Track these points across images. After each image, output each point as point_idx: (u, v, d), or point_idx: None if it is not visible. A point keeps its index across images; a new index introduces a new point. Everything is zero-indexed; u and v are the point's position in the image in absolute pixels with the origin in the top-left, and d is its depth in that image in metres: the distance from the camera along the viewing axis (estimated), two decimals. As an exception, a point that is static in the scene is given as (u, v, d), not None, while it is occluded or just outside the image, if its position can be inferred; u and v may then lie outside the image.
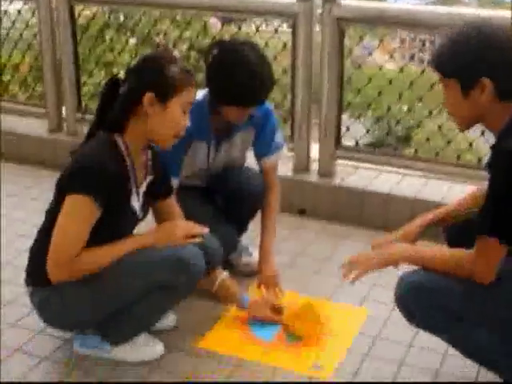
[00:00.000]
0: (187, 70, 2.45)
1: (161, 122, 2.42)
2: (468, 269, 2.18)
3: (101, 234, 2.39)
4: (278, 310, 2.89)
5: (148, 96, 2.38)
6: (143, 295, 2.48)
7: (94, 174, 2.32)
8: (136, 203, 2.53)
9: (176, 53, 2.56)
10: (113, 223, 2.43)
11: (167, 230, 2.56)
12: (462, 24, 2.17)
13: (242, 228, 3.29)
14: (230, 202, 3.15)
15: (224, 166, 3.14)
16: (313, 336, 2.78)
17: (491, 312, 2.22)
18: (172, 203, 2.73)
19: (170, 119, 2.42)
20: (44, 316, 2.57)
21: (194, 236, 2.56)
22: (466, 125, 2.26)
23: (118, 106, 2.43)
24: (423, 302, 2.26)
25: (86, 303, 2.47)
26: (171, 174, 2.80)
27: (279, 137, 3.18)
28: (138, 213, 2.55)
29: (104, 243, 2.41)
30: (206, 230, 2.63)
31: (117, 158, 2.41)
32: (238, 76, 2.73)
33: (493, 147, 2.15)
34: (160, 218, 2.72)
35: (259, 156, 3.18)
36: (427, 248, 2.37)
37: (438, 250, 2.32)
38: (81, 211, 2.34)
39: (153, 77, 2.40)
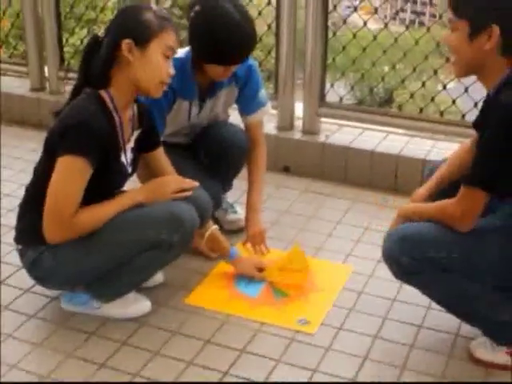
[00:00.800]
0: (163, 16, 2.44)
1: (143, 67, 2.40)
2: (449, 214, 2.25)
3: (92, 191, 2.38)
4: (260, 269, 2.92)
5: (125, 42, 2.36)
6: (136, 253, 2.49)
7: (86, 133, 2.31)
8: (125, 159, 2.53)
9: (154, 5, 2.53)
10: (104, 180, 2.43)
11: (158, 186, 2.57)
12: None
13: (226, 185, 3.30)
14: (213, 157, 3.13)
15: (208, 123, 3.14)
16: (298, 286, 2.83)
17: (475, 263, 2.26)
18: (160, 155, 2.72)
19: (151, 64, 2.40)
20: (35, 274, 2.57)
21: (184, 190, 2.58)
22: (463, 71, 2.27)
23: (99, 59, 2.42)
24: (409, 252, 2.29)
25: (80, 262, 2.47)
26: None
27: (263, 94, 3.18)
28: (127, 168, 2.55)
29: (96, 200, 2.42)
30: (195, 183, 2.64)
31: (105, 115, 2.40)
32: (220, 34, 2.71)
33: (485, 102, 2.18)
34: (149, 171, 2.71)
35: (243, 113, 3.18)
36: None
37: (433, 203, 2.39)
38: (74, 171, 2.32)
39: (128, 23, 2.40)
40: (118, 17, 2.47)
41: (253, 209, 3.11)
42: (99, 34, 2.54)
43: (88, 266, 2.50)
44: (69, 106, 2.42)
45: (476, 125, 2.23)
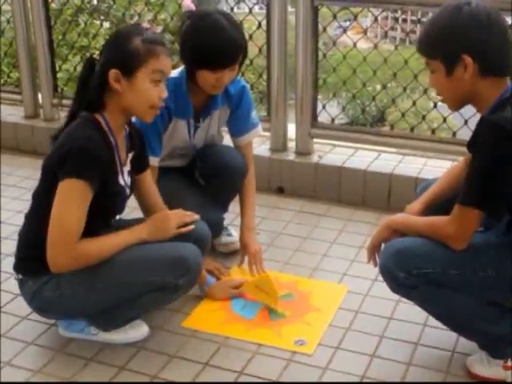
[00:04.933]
0: (152, 40, 2.43)
1: (131, 95, 2.41)
2: (443, 232, 2.26)
3: (94, 215, 2.38)
4: (236, 287, 2.96)
5: (112, 73, 2.38)
6: (141, 294, 2.49)
7: (85, 158, 2.31)
8: (123, 181, 2.54)
9: (147, 25, 2.53)
10: (104, 203, 2.44)
11: (160, 223, 2.59)
12: (444, 5, 2.24)
13: (223, 208, 3.31)
14: (213, 180, 3.14)
15: (204, 143, 3.16)
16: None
17: (471, 279, 2.28)
18: (147, 178, 2.72)
19: (139, 91, 2.41)
20: (35, 305, 2.57)
21: (186, 224, 2.61)
22: (455, 105, 2.33)
23: (92, 86, 2.43)
24: (405, 267, 2.31)
25: (83, 297, 2.46)
26: (152, 153, 2.84)
27: (255, 115, 3.21)
28: (126, 190, 2.57)
29: (98, 224, 2.44)
30: (196, 216, 2.66)
31: (102, 139, 2.41)
32: (207, 35, 2.76)
33: (478, 124, 2.21)
34: (136, 193, 2.72)
35: (235, 134, 3.21)
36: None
37: (424, 217, 2.41)
38: (77, 195, 2.32)
39: (114, 52, 2.41)
40: (108, 43, 2.49)
41: (248, 228, 3.13)
42: (94, 55, 2.56)
43: (91, 302, 2.50)
44: (66, 130, 2.42)
45: (469, 146, 2.26)
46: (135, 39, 2.40)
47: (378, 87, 4.51)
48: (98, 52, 2.51)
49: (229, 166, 3.10)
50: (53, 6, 4.98)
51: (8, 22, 4.91)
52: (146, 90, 2.42)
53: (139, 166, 2.68)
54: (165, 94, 2.48)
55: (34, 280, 2.50)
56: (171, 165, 3.14)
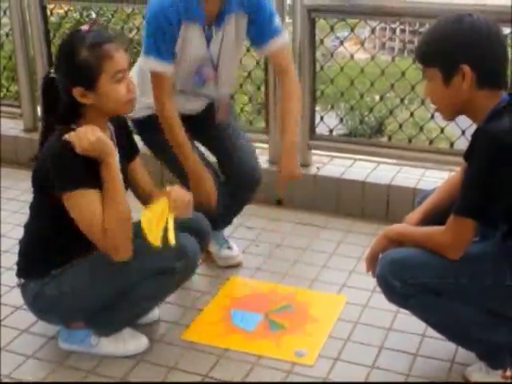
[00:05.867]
0: (97, 42, 2.38)
1: (103, 101, 2.41)
2: (439, 242, 2.28)
3: None
4: None
5: (76, 91, 2.38)
6: (139, 280, 2.51)
7: (78, 168, 2.34)
8: None
9: (84, 26, 2.45)
10: None
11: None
12: (445, 15, 2.26)
13: (228, 218, 3.29)
14: (230, 184, 3.13)
15: (220, 54, 2.97)
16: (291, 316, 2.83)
17: (468, 288, 2.29)
18: (137, 166, 2.72)
19: (108, 96, 2.40)
20: (37, 307, 2.59)
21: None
22: (450, 115, 2.34)
23: (61, 106, 2.43)
24: (401, 276, 2.32)
25: (83, 290, 2.50)
26: (164, 60, 2.80)
27: (278, 21, 2.99)
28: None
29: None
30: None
31: None
32: None
33: (473, 134, 2.22)
34: (130, 185, 2.71)
35: (258, 43, 3.01)
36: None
37: (421, 227, 2.42)
38: (85, 201, 2.36)
39: (68, 70, 2.40)
40: (58, 60, 2.46)
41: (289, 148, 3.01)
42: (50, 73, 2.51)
43: (90, 296, 2.52)
44: (47, 145, 2.43)
45: (466, 156, 2.27)
46: (81, 50, 2.36)
47: (377, 98, 4.51)
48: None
49: (242, 182, 3.12)
50: (52, 19, 5.00)
51: (7, 35, 4.93)
52: (114, 93, 2.41)
53: (128, 155, 2.67)
54: (132, 85, 2.46)
55: (35, 282, 2.53)
56: (185, 111, 3.04)
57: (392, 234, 2.46)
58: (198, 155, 3.02)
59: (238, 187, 3.14)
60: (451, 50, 2.19)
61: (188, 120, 3.01)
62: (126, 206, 2.41)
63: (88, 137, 2.33)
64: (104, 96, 2.40)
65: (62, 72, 2.43)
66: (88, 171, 2.37)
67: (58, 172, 2.36)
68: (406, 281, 2.31)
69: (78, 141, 2.33)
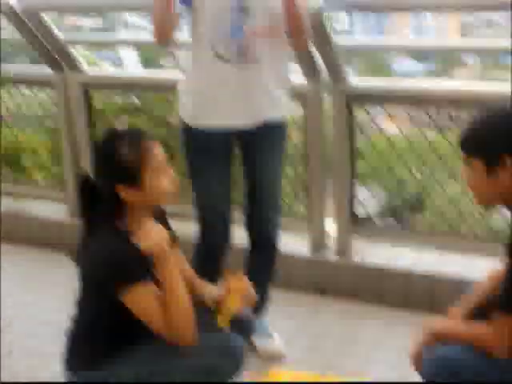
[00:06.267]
0: (135, 139, 2.43)
1: (147, 196, 2.43)
2: (486, 340, 2.20)
3: None
4: None
5: (121, 190, 2.40)
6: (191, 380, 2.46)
7: (133, 265, 2.34)
8: None
9: (118, 124, 2.51)
10: None
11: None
12: (494, 108, 2.26)
13: (262, 292, 3.13)
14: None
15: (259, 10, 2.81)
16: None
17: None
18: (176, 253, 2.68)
19: (152, 190, 2.42)
20: None
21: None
22: (485, 202, 2.30)
23: (103, 205, 2.45)
24: (445, 374, 2.24)
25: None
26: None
27: None
28: None
29: None
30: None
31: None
32: None
33: None
34: None
35: None
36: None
37: (466, 324, 2.36)
38: (144, 298, 2.35)
39: (110, 171, 2.42)
40: (98, 162, 2.50)
41: None
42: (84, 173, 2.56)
43: None
44: (97, 244, 2.42)
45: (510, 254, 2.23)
46: (121, 148, 2.40)
47: (417, 176, 4.49)
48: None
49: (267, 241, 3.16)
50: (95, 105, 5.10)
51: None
52: (158, 186, 2.43)
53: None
54: (173, 173, 2.48)
55: (84, 374, 2.47)
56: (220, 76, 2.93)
57: (436, 330, 2.40)
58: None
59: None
60: (494, 141, 2.17)
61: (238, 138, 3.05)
62: (186, 301, 2.40)
63: (153, 239, 2.36)
64: (148, 190, 2.42)
65: (103, 171, 2.46)
66: (147, 271, 2.37)
67: (122, 269, 2.34)
68: (449, 380, 2.23)
69: (144, 241, 2.36)
